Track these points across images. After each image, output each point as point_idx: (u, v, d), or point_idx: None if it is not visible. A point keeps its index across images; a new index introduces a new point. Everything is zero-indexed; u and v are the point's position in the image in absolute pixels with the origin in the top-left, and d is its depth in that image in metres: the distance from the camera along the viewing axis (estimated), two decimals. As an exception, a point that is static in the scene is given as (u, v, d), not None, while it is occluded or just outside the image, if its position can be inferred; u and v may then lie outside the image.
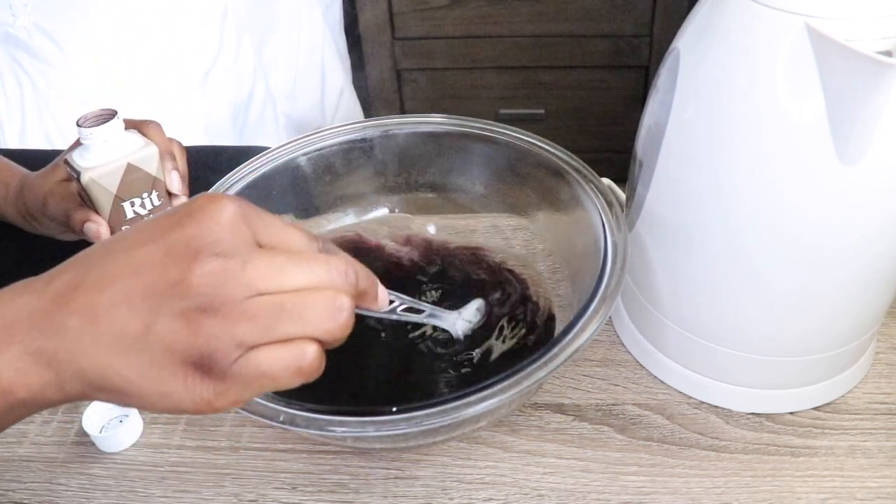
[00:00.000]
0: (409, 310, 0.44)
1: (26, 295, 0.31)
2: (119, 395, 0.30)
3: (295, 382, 0.30)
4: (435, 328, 0.53)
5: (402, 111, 1.74)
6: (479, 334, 0.53)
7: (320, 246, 0.33)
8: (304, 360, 0.30)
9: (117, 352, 0.29)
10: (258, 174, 0.59)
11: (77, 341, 0.29)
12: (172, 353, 0.29)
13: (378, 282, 0.36)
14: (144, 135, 0.60)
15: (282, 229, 0.32)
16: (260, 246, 0.31)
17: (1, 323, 0.30)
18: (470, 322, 0.52)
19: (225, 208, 0.30)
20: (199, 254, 0.29)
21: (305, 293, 0.30)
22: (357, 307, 0.35)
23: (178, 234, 0.30)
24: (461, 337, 0.52)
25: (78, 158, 0.57)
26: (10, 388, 0.30)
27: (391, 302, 0.42)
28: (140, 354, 0.29)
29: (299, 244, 0.32)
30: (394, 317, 0.43)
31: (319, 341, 0.30)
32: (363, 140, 0.62)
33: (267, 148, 0.61)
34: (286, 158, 0.60)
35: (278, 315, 0.29)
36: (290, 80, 1.41)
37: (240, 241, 0.30)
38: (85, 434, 0.54)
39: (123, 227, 0.60)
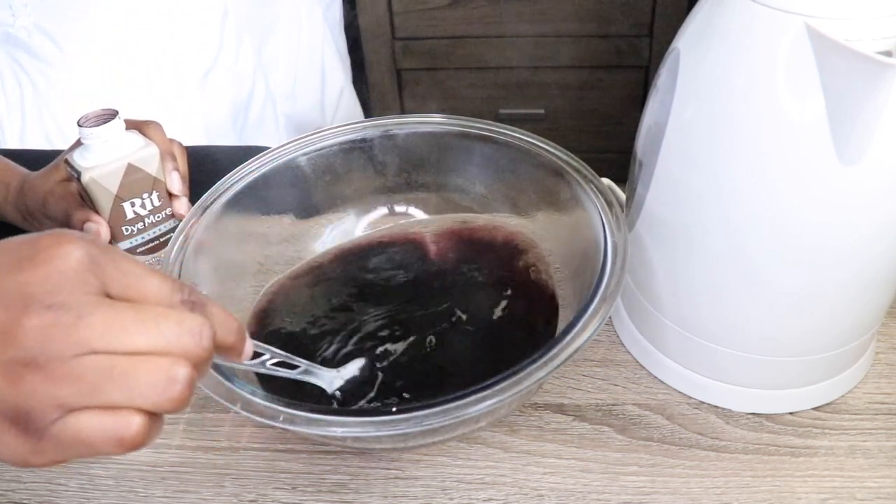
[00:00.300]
0: (282, 364, 0.42)
1: None
2: None
3: (115, 452, 0.29)
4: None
5: (402, 111, 1.74)
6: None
7: (184, 297, 0.30)
8: (127, 432, 0.28)
9: None
10: (258, 174, 0.59)
11: None
12: None
13: (246, 334, 0.34)
14: (145, 135, 0.60)
15: (139, 278, 0.29)
16: (110, 296, 0.29)
17: None
18: (348, 379, 0.49)
19: (70, 254, 0.28)
20: (31, 304, 0.27)
21: (140, 359, 0.28)
22: (222, 359, 0.34)
23: (13, 277, 0.27)
24: (337, 395, 0.48)
25: (78, 158, 0.57)
26: None
27: (261, 355, 0.41)
28: None
29: (158, 295, 0.30)
30: (262, 370, 0.41)
31: (151, 413, 0.28)
32: (363, 140, 0.62)
33: (267, 148, 0.61)
34: (286, 158, 0.60)
35: (105, 379, 0.27)
36: (290, 80, 1.41)
37: (80, 292, 0.27)
38: (85, 434, 0.54)
39: (123, 228, 0.60)
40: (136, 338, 0.28)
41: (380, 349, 0.52)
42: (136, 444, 0.29)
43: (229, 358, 0.34)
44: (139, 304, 0.29)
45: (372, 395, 0.50)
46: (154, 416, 0.29)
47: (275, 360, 0.42)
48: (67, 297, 0.27)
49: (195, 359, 0.29)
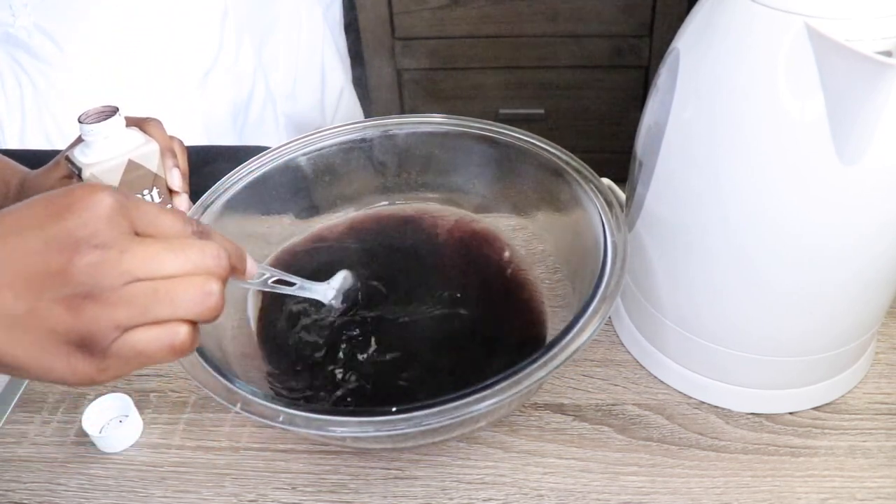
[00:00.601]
0: (280, 282, 0.47)
1: None
2: (9, 369, 0.33)
3: (169, 359, 0.33)
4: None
5: (402, 111, 1.74)
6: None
7: (194, 228, 0.35)
8: (177, 339, 0.33)
9: (4, 332, 0.31)
10: (258, 174, 0.59)
11: None
12: (55, 335, 0.31)
13: (247, 256, 0.40)
14: (145, 132, 0.60)
15: (157, 217, 0.34)
16: (137, 234, 0.33)
17: None
18: (338, 289, 0.54)
19: (102, 201, 0.32)
20: (79, 246, 0.31)
21: (178, 280, 0.33)
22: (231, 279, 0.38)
23: (58, 225, 0.32)
24: (334, 305, 0.53)
25: (79, 155, 0.57)
26: None
27: (262, 275, 0.46)
28: (25, 334, 0.31)
29: (175, 229, 0.34)
30: (266, 288, 0.46)
31: (193, 323, 0.33)
32: (363, 140, 0.62)
33: (267, 148, 0.61)
34: (286, 158, 0.60)
35: (152, 300, 0.32)
36: (290, 80, 1.41)
37: (117, 232, 0.32)
38: (85, 434, 0.54)
39: None
40: (168, 265, 0.32)
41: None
42: (185, 349, 0.33)
43: (237, 277, 0.39)
44: (163, 238, 0.34)
45: (360, 297, 0.55)
46: (195, 327, 0.34)
47: (274, 279, 0.46)
48: (108, 238, 0.31)
49: (219, 276, 0.34)
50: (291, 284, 0.49)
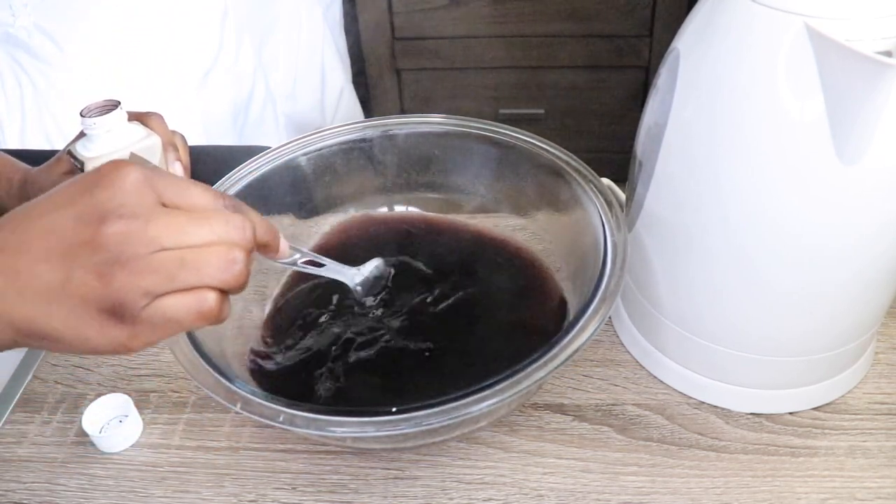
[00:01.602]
0: (311, 263, 0.48)
1: None
2: (47, 342, 0.34)
3: (199, 325, 0.34)
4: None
5: (402, 111, 1.74)
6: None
7: (226, 203, 0.36)
8: (205, 306, 0.34)
9: (41, 304, 0.33)
10: (258, 174, 0.59)
11: (4, 297, 0.33)
12: (88, 303, 0.32)
13: (279, 234, 0.40)
14: (147, 126, 0.60)
15: (186, 189, 0.35)
16: (165, 205, 0.34)
17: None
18: (367, 276, 0.54)
19: (129, 174, 0.33)
20: (107, 216, 0.32)
21: (203, 248, 0.34)
22: (263, 256, 0.40)
23: (87, 199, 0.33)
24: (359, 290, 0.53)
25: (81, 149, 0.57)
26: None
27: (293, 254, 0.46)
28: (60, 305, 0.33)
29: (203, 202, 0.35)
30: (296, 268, 0.47)
31: (221, 291, 0.34)
32: (363, 140, 0.62)
33: (267, 148, 0.61)
34: (286, 158, 0.60)
35: (178, 267, 0.33)
36: (290, 80, 1.41)
37: (143, 203, 0.33)
38: (85, 434, 0.54)
39: None
40: (193, 234, 0.34)
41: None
42: (213, 315, 0.34)
43: (269, 255, 0.40)
44: (190, 210, 0.35)
45: (387, 288, 0.56)
46: (224, 295, 0.35)
47: (305, 259, 0.47)
48: (134, 208, 0.33)
49: (243, 246, 0.35)
50: (320, 265, 0.50)
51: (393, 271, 0.56)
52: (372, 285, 0.54)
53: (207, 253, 0.34)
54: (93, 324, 0.33)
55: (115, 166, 0.34)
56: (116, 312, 0.32)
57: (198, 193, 0.36)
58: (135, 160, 0.35)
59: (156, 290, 0.33)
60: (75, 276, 0.32)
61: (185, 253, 0.33)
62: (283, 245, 0.41)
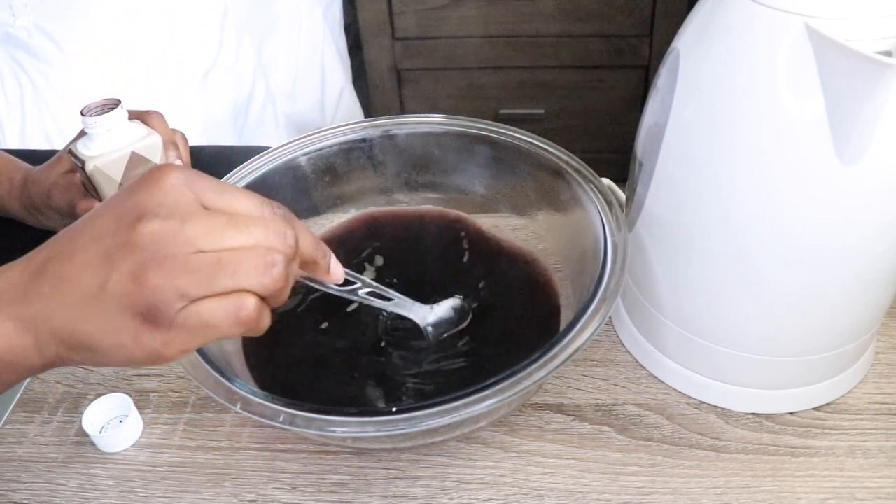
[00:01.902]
0: (375, 295, 0.44)
1: (9, 271, 0.35)
2: (87, 352, 0.33)
3: (236, 332, 0.33)
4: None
5: (402, 111, 1.74)
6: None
7: (273, 210, 0.35)
8: (243, 311, 0.32)
9: (80, 310, 0.32)
10: (258, 174, 0.59)
11: (49, 305, 0.33)
12: (123, 307, 0.32)
13: (330, 254, 0.39)
14: (147, 125, 0.60)
15: (229, 193, 0.34)
16: (206, 207, 0.33)
17: None
18: (441, 318, 0.51)
19: (169, 175, 0.33)
20: (144, 215, 0.32)
21: (241, 251, 0.33)
22: (310, 279, 0.38)
23: (127, 201, 0.33)
24: (430, 331, 0.51)
25: (82, 148, 0.57)
26: None
27: (352, 283, 0.43)
28: (99, 311, 0.32)
29: (246, 206, 0.35)
30: (355, 298, 0.44)
31: (261, 297, 0.33)
32: (363, 140, 0.63)
33: (267, 148, 0.61)
34: (286, 158, 0.60)
35: (215, 270, 0.32)
36: (290, 80, 1.41)
37: (181, 204, 0.32)
38: (85, 434, 0.54)
39: None
40: (231, 238, 0.33)
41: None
42: (251, 321, 0.33)
43: (318, 275, 0.39)
44: (231, 213, 0.34)
45: (463, 327, 0.52)
46: (263, 302, 0.33)
47: (367, 291, 0.44)
48: (171, 208, 0.32)
49: (283, 252, 0.34)
50: (388, 299, 0.46)
51: (472, 314, 0.52)
52: (446, 327, 0.51)
53: (245, 255, 0.33)
54: (128, 330, 0.32)
55: (158, 169, 0.33)
56: (151, 316, 0.31)
57: (240, 197, 0.35)
58: (140, 159, 0.35)
59: (191, 292, 0.31)
60: (112, 278, 0.32)
61: (222, 255, 0.32)
62: (336, 268, 0.39)
